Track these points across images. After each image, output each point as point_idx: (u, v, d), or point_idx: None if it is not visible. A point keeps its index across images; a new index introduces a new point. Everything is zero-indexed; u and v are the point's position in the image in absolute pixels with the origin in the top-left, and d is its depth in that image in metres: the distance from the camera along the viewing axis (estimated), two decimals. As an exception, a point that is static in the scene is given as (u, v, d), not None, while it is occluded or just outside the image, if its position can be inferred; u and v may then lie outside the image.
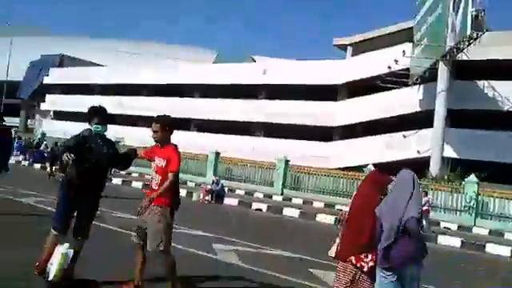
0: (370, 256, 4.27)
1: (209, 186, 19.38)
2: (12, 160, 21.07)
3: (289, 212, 17.69)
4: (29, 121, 56.45)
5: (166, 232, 4.81)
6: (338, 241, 4.74)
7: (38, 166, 26.02)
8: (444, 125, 24.84)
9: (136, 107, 39.94)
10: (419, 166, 21.29)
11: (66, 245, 4.85)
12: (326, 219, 16.78)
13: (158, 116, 5.08)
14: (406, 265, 4.09)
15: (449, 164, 25.01)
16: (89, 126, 5.18)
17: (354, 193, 4.97)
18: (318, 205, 22.13)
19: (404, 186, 4.28)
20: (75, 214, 5.09)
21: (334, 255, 4.70)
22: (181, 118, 29.68)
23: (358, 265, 4.33)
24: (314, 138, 32.03)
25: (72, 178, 4.96)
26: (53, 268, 4.69)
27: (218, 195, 19.22)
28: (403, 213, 4.07)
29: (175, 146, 5.06)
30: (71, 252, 4.83)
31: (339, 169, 26.70)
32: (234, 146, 30.21)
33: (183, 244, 7.31)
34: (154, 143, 5.11)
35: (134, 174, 24.13)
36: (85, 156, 4.92)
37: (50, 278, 4.69)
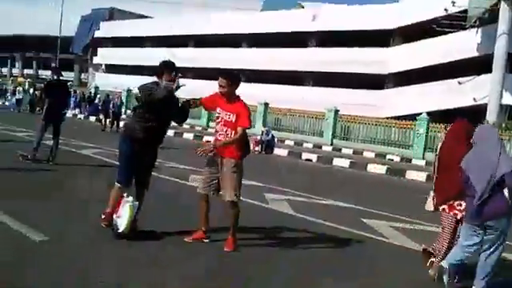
0: (463, 204, 4.41)
1: (258, 137, 19.43)
2: (69, 113, 21.94)
3: (339, 162, 17.59)
4: (82, 75, 58.12)
5: (240, 183, 5.01)
6: (432, 194, 4.93)
7: (93, 118, 26.96)
8: (503, 70, 23.51)
9: (184, 59, 40.15)
10: (475, 114, 20.48)
11: (131, 197, 4.97)
12: (377, 169, 16.62)
13: (225, 71, 5.07)
14: (497, 219, 4.08)
15: (507, 112, 23.88)
16: (155, 79, 5.08)
17: (440, 143, 5.12)
18: (368, 155, 21.86)
19: (491, 139, 4.28)
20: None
21: (432, 208, 4.89)
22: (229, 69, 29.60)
23: (452, 213, 4.53)
24: (364, 87, 31.21)
25: (137, 132, 4.96)
26: (122, 220, 4.82)
27: (268, 145, 19.31)
28: (496, 168, 3.99)
29: (243, 100, 5.07)
30: (137, 204, 4.96)
31: (391, 118, 26.07)
32: (283, 96, 29.95)
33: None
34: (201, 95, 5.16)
35: (185, 126, 24.52)
36: (152, 109, 4.93)
37: (121, 229, 4.82)
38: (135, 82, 34.01)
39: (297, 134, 26.79)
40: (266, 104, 27.05)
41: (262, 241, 5.57)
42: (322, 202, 8.81)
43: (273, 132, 20.74)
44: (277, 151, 19.51)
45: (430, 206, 4.93)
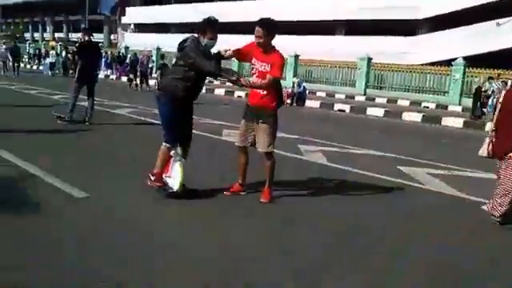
0: None
1: (290, 89, 19.24)
2: (101, 74, 22.21)
3: (373, 112, 17.36)
4: (112, 36, 58.27)
5: (274, 134, 4.99)
6: (487, 140, 4.98)
7: (124, 78, 27.21)
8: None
9: (208, 12, 39.47)
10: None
11: (179, 156, 4.93)
12: (412, 117, 16.33)
13: (262, 20, 4.84)
14: None
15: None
16: (195, 36, 4.87)
17: (503, 92, 5.21)
18: (403, 103, 21.45)
19: None
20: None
21: (485, 154, 4.97)
22: (250, 22, 29.12)
23: None
24: (396, 34, 30.22)
25: (178, 92, 4.81)
26: (175, 179, 4.79)
27: (300, 97, 19.16)
28: None
29: (279, 51, 4.91)
30: (184, 161, 4.95)
31: (425, 64, 25.29)
32: (312, 47, 29.36)
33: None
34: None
35: (215, 82, 24.50)
36: (193, 68, 4.77)
37: (175, 189, 4.79)
38: (164, 41, 34.05)
39: (328, 85, 26.41)
40: (297, 56, 26.61)
41: (298, 192, 5.56)
42: (357, 151, 8.76)
43: (304, 84, 20.50)
44: (308, 103, 19.35)
45: (484, 151, 4.98)
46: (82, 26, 41.72)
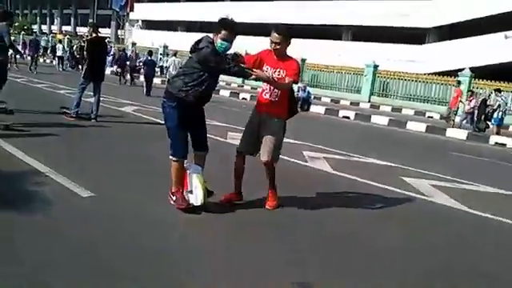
0: None
1: (295, 94, 19.18)
2: (107, 71, 22.23)
3: (377, 120, 17.35)
4: (119, 31, 58.36)
5: (279, 146, 4.81)
6: None
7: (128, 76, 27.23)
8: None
9: (221, 13, 39.50)
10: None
11: (194, 165, 4.66)
12: (416, 127, 16.31)
13: (280, 27, 4.68)
14: None
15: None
16: (211, 36, 4.54)
17: None
18: (407, 112, 21.43)
19: None
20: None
21: None
22: (257, 23, 29.15)
23: None
24: (404, 41, 30.22)
25: (190, 97, 4.47)
26: (197, 194, 4.49)
27: (305, 102, 19.14)
28: None
29: (294, 58, 4.77)
30: (201, 169, 4.68)
31: (432, 74, 25.28)
32: (319, 52, 29.37)
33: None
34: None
35: (221, 83, 24.51)
36: (208, 72, 4.49)
37: (199, 202, 4.50)
38: (171, 39, 34.14)
39: (334, 91, 26.42)
40: (303, 60, 26.64)
41: (302, 199, 5.54)
42: (361, 159, 8.76)
43: (309, 89, 20.48)
44: (313, 108, 19.35)
45: None
46: (90, 20, 41.63)
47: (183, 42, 35.26)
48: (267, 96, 4.76)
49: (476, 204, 6.07)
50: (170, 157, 4.58)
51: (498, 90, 17.25)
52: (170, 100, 4.53)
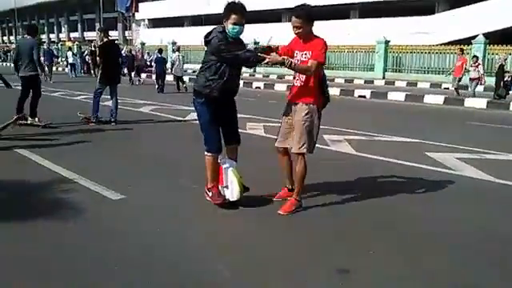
0: None
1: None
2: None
3: (394, 96, 17.22)
4: (126, 32, 58.52)
5: (309, 133, 4.46)
6: None
7: (143, 76, 27.37)
8: None
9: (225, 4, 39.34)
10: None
11: (229, 160, 4.63)
12: (434, 100, 16.13)
13: (297, 9, 4.30)
14: None
15: None
16: (222, 26, 4.45)
17: None
18: (423, 85, 21.18)
19: None
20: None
21: None
22: (267, 10, 28.94)
23: None
24: (413, 14, 29.72)
25: (214, 92, 4.43)
26: (233, 187, 4.47)
27: (319, 85, 18.99)
28: None
29: (320, 37, 4.41)
30: (235, 164, 4.63)
31: (444, 44, 24.88)
32: (329, 32, 29.03)
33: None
34: None
35: (245, 75, 24.39)
36: (227, 63, 4.41)
37: (235, 197, 4.49)
38: (179, 34, 34.12)
39: (346, 71, 26.21)
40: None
41: (330, 184, 5.49)
42: (382, 138, 8.72)
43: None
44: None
45: None
46: (97, 25, 41.85)
47: (190, 36, 35.43)
48: (297, 83, 4.51)
49: (507, 174, 5.98)
50: (205, 152, 4.56)
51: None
52: (199, 97, 4.55)
